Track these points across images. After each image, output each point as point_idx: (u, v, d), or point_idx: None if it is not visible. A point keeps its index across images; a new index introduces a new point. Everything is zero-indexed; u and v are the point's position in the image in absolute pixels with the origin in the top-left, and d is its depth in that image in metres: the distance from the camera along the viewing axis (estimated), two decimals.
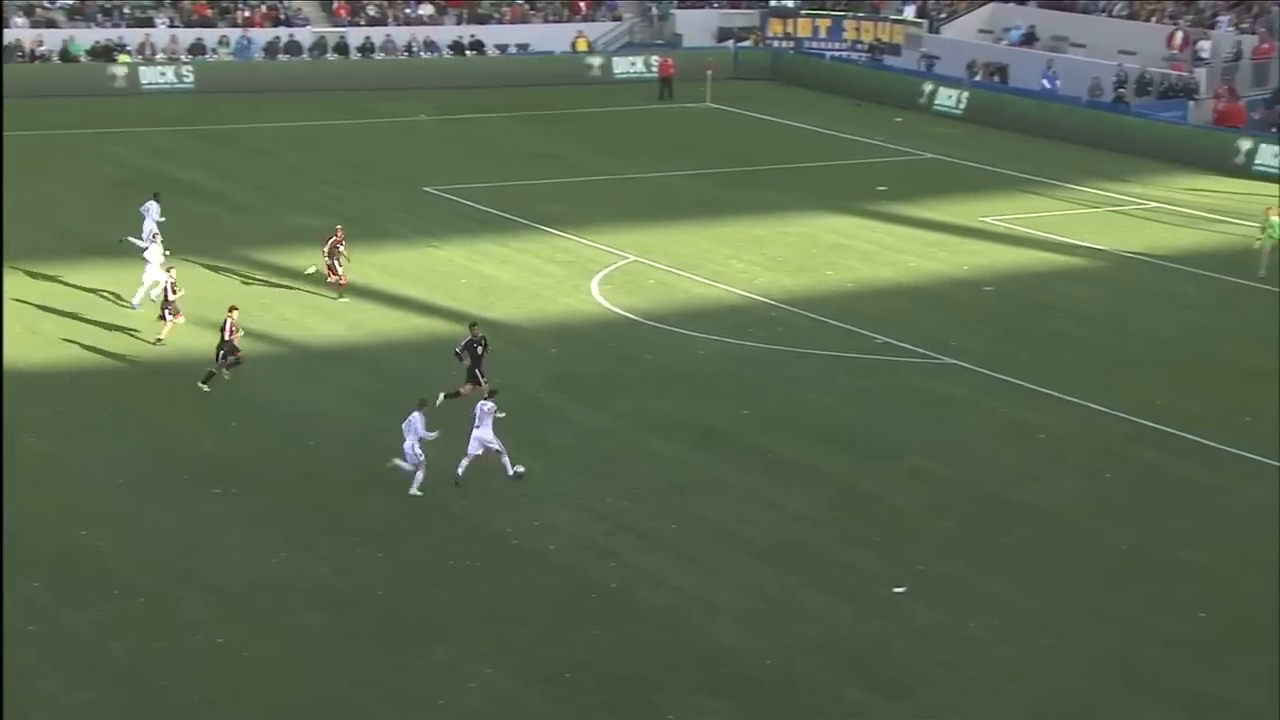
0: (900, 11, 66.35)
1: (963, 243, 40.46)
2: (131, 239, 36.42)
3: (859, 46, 65.64)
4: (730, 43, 67.08)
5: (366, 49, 63.85)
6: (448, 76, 62.62)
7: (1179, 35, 57.05)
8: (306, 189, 45.73)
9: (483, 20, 67.33)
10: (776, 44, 66.77)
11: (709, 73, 61.49)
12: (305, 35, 63.63)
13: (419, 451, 25.88)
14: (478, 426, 26.40)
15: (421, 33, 65.32)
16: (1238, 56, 55.01)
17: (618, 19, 69.10)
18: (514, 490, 26.52)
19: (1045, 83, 55.62)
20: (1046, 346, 33.80)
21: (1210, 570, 23.97)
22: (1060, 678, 21.06)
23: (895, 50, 64.57)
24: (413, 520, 25.32)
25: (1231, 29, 56.35)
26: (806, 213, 44.51)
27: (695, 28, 68.16)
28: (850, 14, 67.15)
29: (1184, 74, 54.98)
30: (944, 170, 50.21)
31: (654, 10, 69.80)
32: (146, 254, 34.53)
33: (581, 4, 68.96)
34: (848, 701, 20.66)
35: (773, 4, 68.67)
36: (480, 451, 26.41)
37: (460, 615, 22.47)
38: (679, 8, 69.61)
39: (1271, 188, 45.79)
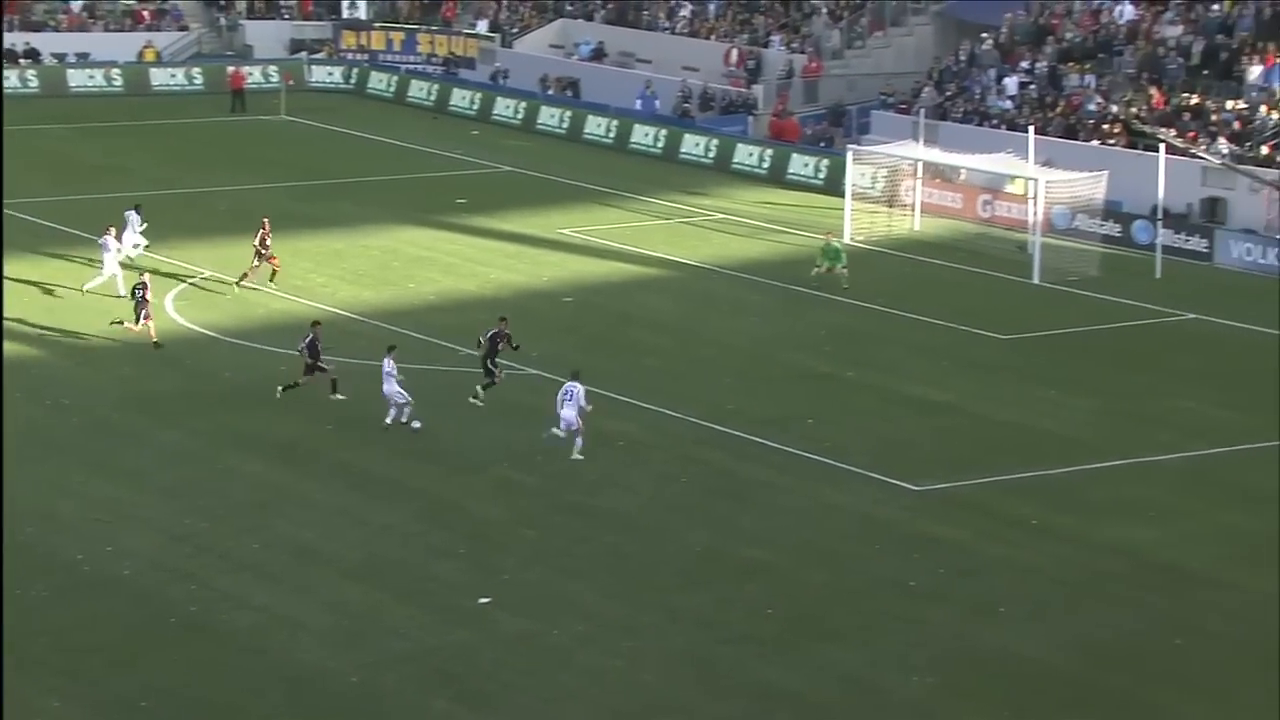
0: (473, 26, 66.85)
1: (542, 254, 41.04)
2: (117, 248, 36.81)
3: (434, 60, 65.78)
4: (303, 55, 66.18)
5: None
6: None
7: (735, 53, 59.42)
8: None
9: (37, 27, 64.33)
10: (350, 56, 66.25)
11: (287, 83, 60.51)
12: None
13: (573, 420, 27.28)
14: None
15: None
16: (789, 74, 57.67)
17: (184, 29, 67.20)
18: (85, 515, 25.48)
19: (639, 103, 56.76)
20: (625, 355, 34.61)
21: (776, 568, 24.97)
22: (639, 678, 21.57)
23: (470, 64, 65.02)
24: None
25: (783, 48, 59.06)
26: (386, 226, 44.33)
27: (266, 39, 66.94)
28: (424, 28, 67.26)
29: (743, 90, 57.23)
30: (522, 183, 50.84)
31: (222, 21, 68.19)
32: (107, 255, 36.13)
33: (145, 13, 66.74)
34: (434, 714, 20.66)
35: (345, 17, 68.08)
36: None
37: (26, 649, 21.41)
38: (248, 19, 68.21)
39: (824, 198, 48.19)
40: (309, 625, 22.58)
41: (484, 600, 23.44)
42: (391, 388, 29.74)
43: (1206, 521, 26.88)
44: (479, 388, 30.78)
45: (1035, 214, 42.47)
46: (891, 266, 42.81)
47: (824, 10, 60.04)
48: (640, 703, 21.09)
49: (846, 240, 44.55)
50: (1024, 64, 51.47)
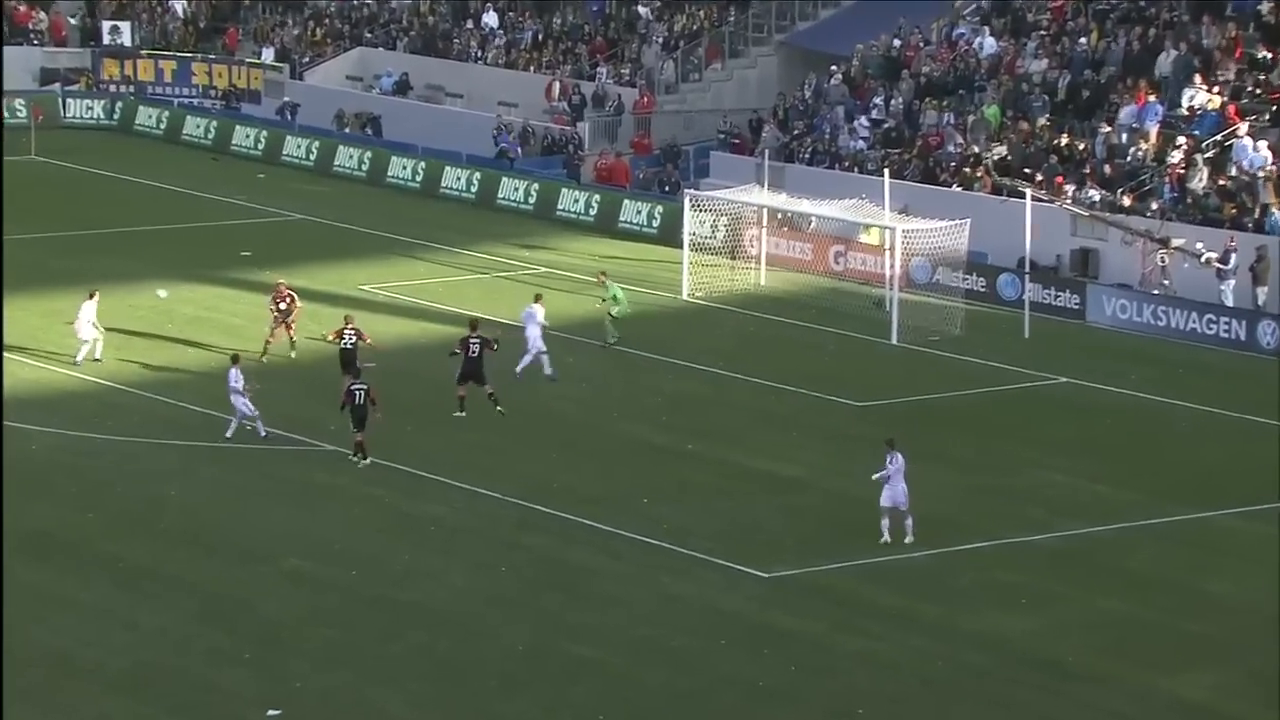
0: (259, 55, 66.55)
1: (340, 314, 40.79)
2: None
3: (212, 92, 65.36)
4: (57, 86, 65.27)
5: None
6: None
7: (557, 86, 59.89)
8: None
9: None
10: (113, 89, 65.54)
11: (37, 119, 59.66)
12: None
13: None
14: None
15: None
16: (619, 110, 58.31)
17: None
18: None
19: (505, 145, 56.69)
20: (437, 426, 34.61)
21: (608, 667, 25.12)
22: None
23: (255, 97, 64.68)
24: None
25: (611, 81, 59.67)
26: (159, 282, 43.82)
27: (12, 68, 65.59)
28: (200, 56, 66.78)
29: (566, 128, 57.72)
30: (316, 233, 50.68)
31: None
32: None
33: None
34: None
35: (106, 43, 67.31)
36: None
37: None
38: None
39: (658, 249, 48.69)
40: None
41: (274, 713, 23.24)
42: (237, 400, 32.28)
43: (1083, 608, 27.59)
44: (495, 402, 34.44)
45: (892, 267, 43.30)
46: (734, 325, 43.35)
47: (657, 39, 60.87)
48: None
49: (684, 296, 45.08)
50: (877, 100, 52.64)
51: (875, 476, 29.43)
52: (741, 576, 28.26)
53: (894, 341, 41.73)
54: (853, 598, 27.59)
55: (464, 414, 34.85)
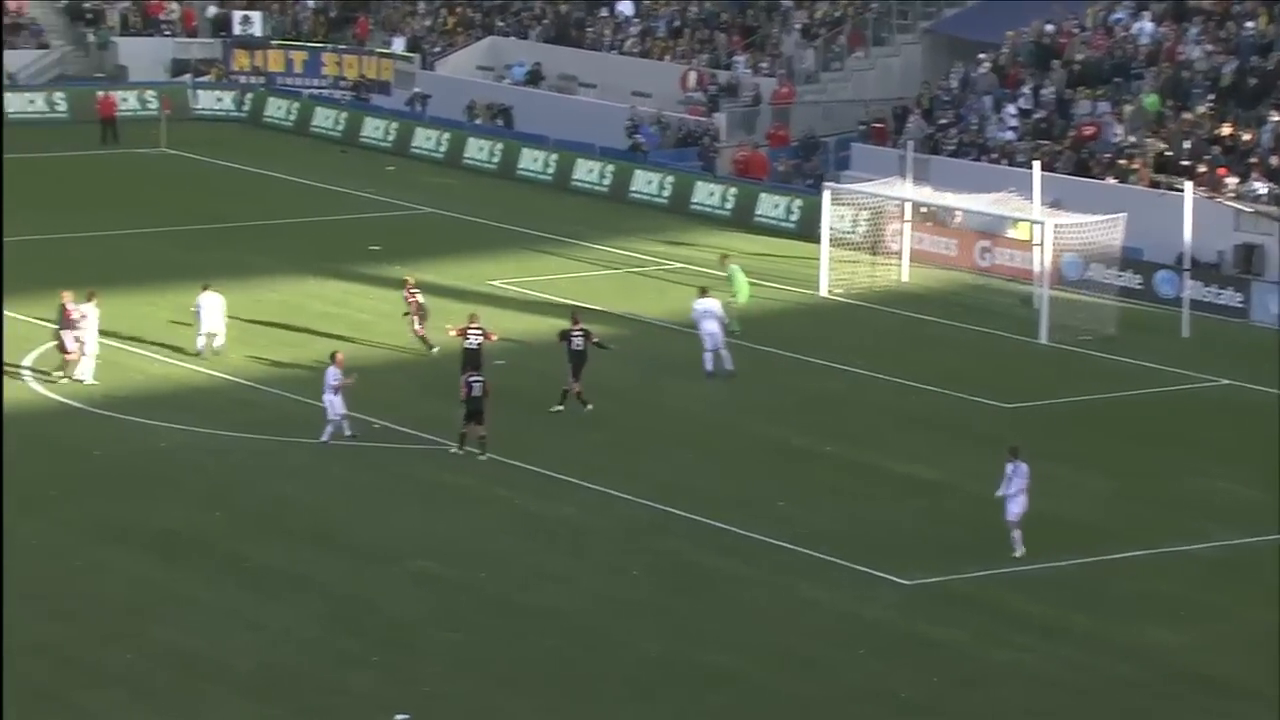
0: (389, 45, 67.11)
1: (468, 310, 40.94)
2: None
3: (342, 84, 65.99)
4: (187, 77, 66.25)
5: None
6: None
7: (693, 75, 59.80)
8: None
9: None
10: (243, 80, 66.39)
11: (165, 113, 60.57)
12: None
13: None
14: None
15: None
16: (756, 100, 58.14)
17: (44, 47, 67.17)
18: None
19: (644, 136, 56.89)
20: (565, 426, 34.66)
21: (743, 676, 24.94)
22: None
23: (384, 88, 65.26)
24: None
25: (749, 70, 59.51)
26: (287, 277, 44.33)
27: (143, 59, 66.88)
28: (330, 46, 67.47)
29: (702, 119, 57.63)
30: (445, 227, 51.00)
31: (91, 37, 68.20)
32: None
33: None
34: None
35: (237, 33, 68.22)
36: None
37: None
38: (122, 35, 68.26)
39: (797, 244, 48.49)
40: None
41: (401, 717, 23.33)
42: (330, 399, 32.20)
43: (1243, 622, 27.06)
44: (564, 398, 34.68)
45: (1042, 263, 42.84)
46: (875, 323, 43.08)
47: (797, 27, 60.59)
48: None
49: (822, 293, 44.86)
50: (1026, 89, 52.08)
51: (999, 494, 28.85)
52: (880, 583, 28.03)
53: (1043, 341, 41.27)
54: (998, 606, 27.27)
55: (562, 408, 34.86)
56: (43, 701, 23.41)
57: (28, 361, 36.95)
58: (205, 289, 38.04)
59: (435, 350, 38.37)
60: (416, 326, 38.70)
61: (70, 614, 25.91)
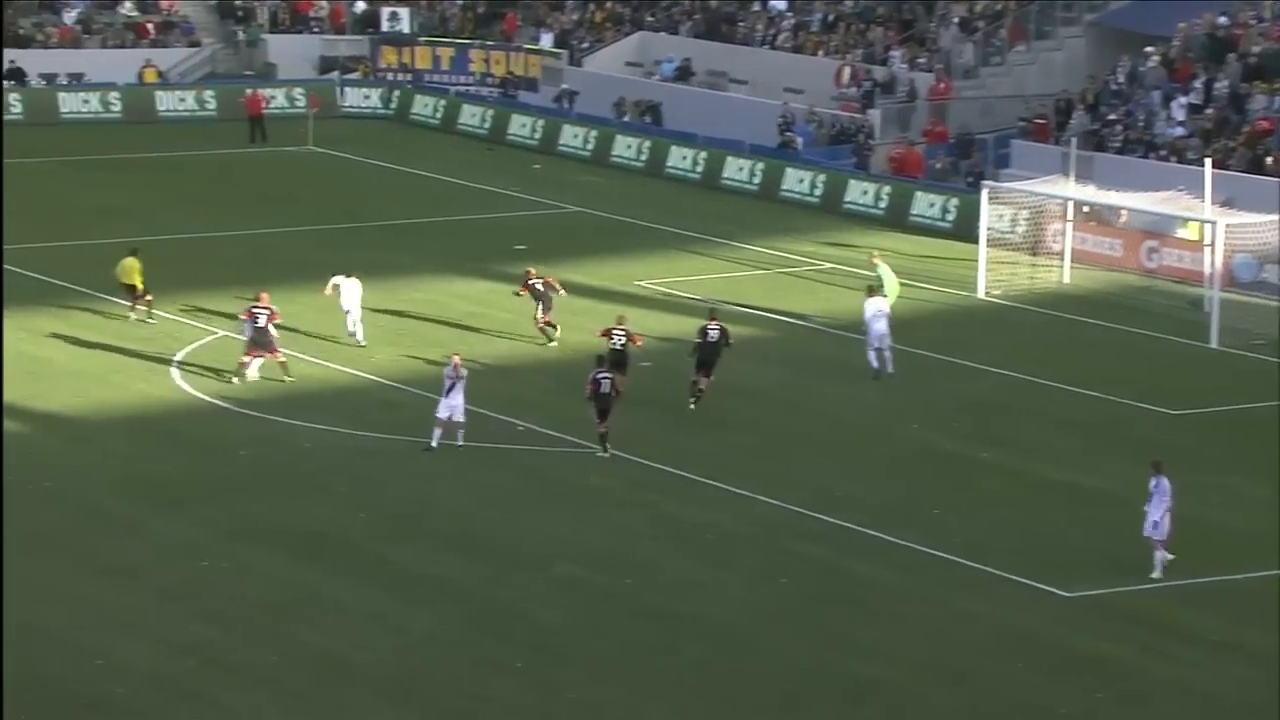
0: (536, 41, 67.51)
1: (615, 311, 41.13)
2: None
3: (489, 80, 66.50)
4: (335, 75, 67.09)
5: None
6: None
7: (847, 71, 59.54)
8: None
9: (23, 43, 65.63)
10: (390, 77, 67.11)
11: (311, 110, 61.37)
12: None
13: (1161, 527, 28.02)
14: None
15: None
16: (912, 96, 57.78)
17: (195, 45, 68.33)
18: (72, 622, 25.78)
19: (797, 136, 56.87)
20: (714, 430, 34.68)
21: (895, 688, 24.84)
22: None
23: (532, 85, 65.66)
24: None
25: (905, 66, 59.15)
26: (431, 277, 44.74)
27: (292, 56, 67.90)
28: (477, 43, 67.99)
29: (856, 115, 57.38)
30: (592, 226, 51.20)
31: (240, 35, 69.28)
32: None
33: (149, 26, 67.95)
34: None
35: (384, 30, 68.98)
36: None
37: None
38: (270, 33, 69.26)
39: (953, 244, 48.16)
40: None
41: None
42: (456, 400, 32.14)
43: None
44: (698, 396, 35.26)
45: (1213, 264, 42.23)
46: (1034, 325, 42.69)
47: (955, 20, 60.17)
48: None
49: (980, 294, 44.51)
50: (1197, 83, 51.34)
51: (1148, 510, 28.33)
52: (1040, 595, 27.76)
53: (1213, 345, 40.68)
54: (1164, 621, 26.90)
55: (694, 404, 35.26)
56: (188, 701, 23.81)
57: (178, 358, 37.58)
58: (345, 276, 38.93)
59: (554, 344, 38.74)
60: (539, 315, 39.07)
61: (216, 614, 26.30)
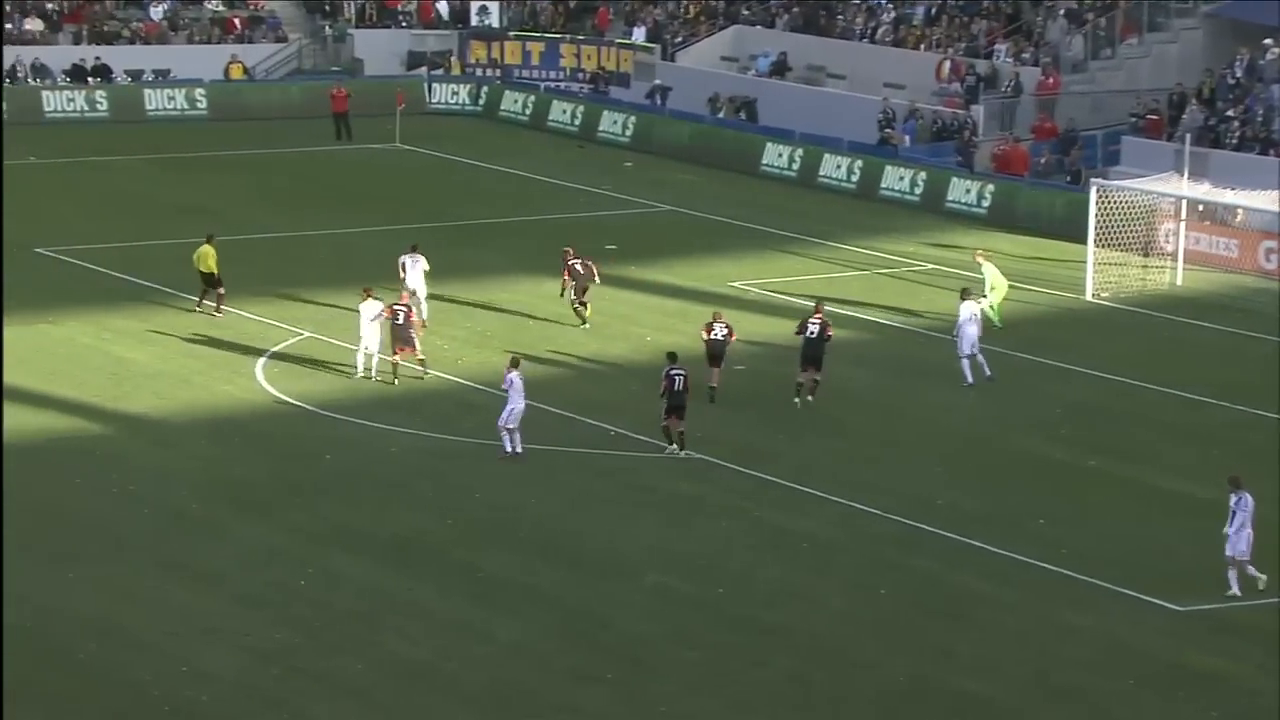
0: (628, 35, 67.61)
1: (709, 312, 41.17)
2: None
3: (580, 76, 66.66)
4: (423, 70, 67.45)
5: None
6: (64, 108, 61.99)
7: (948, 65, 59.24)
8: None
9: (109, 39, 66.38)
10: (479, 72, 67.39)
11: (399, 107, 61.72)
12: None
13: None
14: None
15: (29, 53, 64.04)
16: (1017, 91, 57.43)
17: (282, 40, 68.90)
18: (155, 627, 26.04)
19: (903, 133, 56.73)
20: (809, 436, 34.63)
21: (999, 705, 24.71)
22: None
23: (623, 80, 65.77)
24: (21, 671, 24.62)
25: (1010, 60, 58.79)
26: (520, 277, 44.88)
27: (379, 51, 68.34)
28: (568, 37, 68.18)
29: (959, 111, 57.09)
30: (684, 225, 51.22)
31: (327, 30, 69.79)
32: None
33: (236, 21, 68.60)
34: None
35: (473, 24, 69.30)
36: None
37: None
38: (357, 28, 69.74)
39: (1060, 245, 47.85)
40: None
41: None
42: (519, 405, 32.08)
43: None
44: (805, 393, 35.56)
45: None
46: (1145, 329, 42.39)
47: (1062, 12, 59.79)
48: None
49: (1088, 297, 44.22)
50: None
51: (1227, 530, 28.00)
52: (1151, 609, 27.56)
53: None
54: None
55: (799, 401, 35.53)
56: (272, 710, 24.00)
57: (262, 362, 37.89)
58: (411, 251, 39.79)
59: (586, 326, 39.29)
60: (572, 296, 39.57)
61: (300, 621, 26.50)
